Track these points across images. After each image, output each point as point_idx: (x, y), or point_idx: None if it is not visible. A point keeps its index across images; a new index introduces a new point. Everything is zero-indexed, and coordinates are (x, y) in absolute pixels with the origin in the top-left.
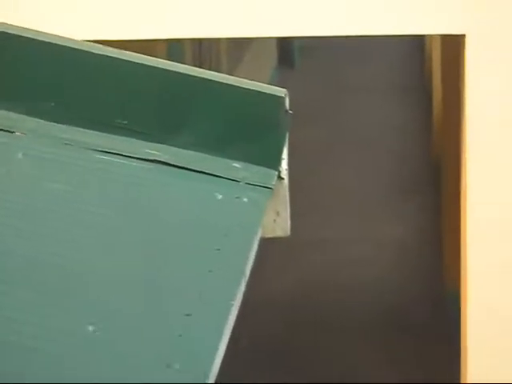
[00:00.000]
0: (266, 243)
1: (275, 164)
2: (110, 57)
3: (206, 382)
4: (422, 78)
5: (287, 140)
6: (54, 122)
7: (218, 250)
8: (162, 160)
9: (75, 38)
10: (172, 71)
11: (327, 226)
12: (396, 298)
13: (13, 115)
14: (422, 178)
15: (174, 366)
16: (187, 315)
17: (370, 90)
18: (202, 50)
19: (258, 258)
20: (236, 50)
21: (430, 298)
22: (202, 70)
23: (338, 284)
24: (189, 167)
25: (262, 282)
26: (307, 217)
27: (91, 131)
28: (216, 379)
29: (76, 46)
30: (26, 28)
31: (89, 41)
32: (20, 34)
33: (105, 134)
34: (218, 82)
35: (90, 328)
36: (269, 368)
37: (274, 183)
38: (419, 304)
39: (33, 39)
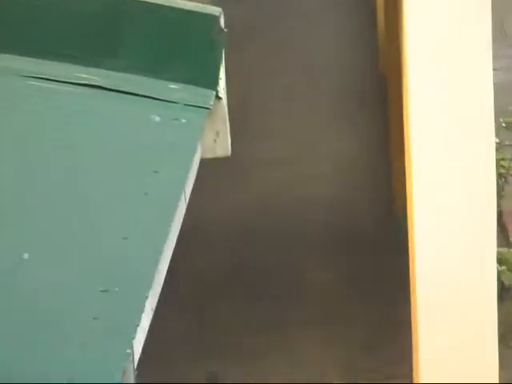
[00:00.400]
0: (219, 163)
1: (212, 84)
2: None
3: (145, 303)
4: None
5: (223, 59)
6: None
7: (156, 172)
8: (96, 84)
9: None
10: None
11: (277, 144)
12: (346, 213)
13: None
14: (370, 94)
15: (111, 289)
16: (124, 238)
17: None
18: None
19: (212, 177)
20: None
21: (380, 214)
22: None
23: (290, 201)
24: (124, 90)
25: (215, 200)
26: (258, 135)
27: (22, 57)
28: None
29: None
30: None
31: None
32: None
33: (36, 60)
34: (151, 3)
35: (26, 256)
36: (223, 284)
37: (211, 103)
38: (369, 219)
39: None
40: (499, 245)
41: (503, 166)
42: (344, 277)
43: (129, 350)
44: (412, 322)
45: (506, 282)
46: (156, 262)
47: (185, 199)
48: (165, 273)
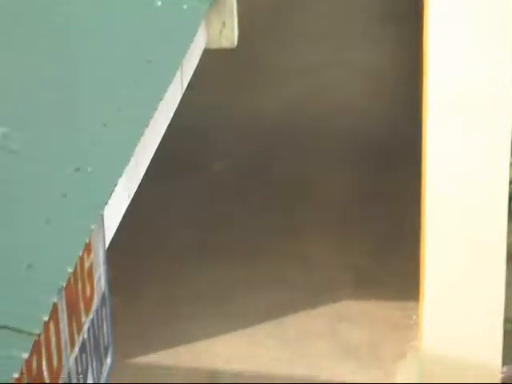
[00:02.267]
0: (248, 68)
1: None
2: None
3: (116, 184)
4: None
5: None
6: None
7: (149, 61)
8: None
9: None
10: None
11: (309, 52)
12: (371, 123)
13: None
14: (402, 7)
15: (84, 169)
16: (104, 125)
17: None
18: None
19: (240, 83)
20: None
21: (404, 127)
22: None
23: (317, 109)
24: None
25: (244, 105)
26: (289, 45)
27: None
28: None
29: None
30: None
31: None
32: None
33: None
34: None
35: (1, 130)
36: (240, 185)
37: None
38: (393, 130)
39: None
40: None
41: None
42: (363, 184)
43: (93, 226)
44: (421, 235)
45: None
46: (133, 148)
47: (181, 86)
48: (147, 160)
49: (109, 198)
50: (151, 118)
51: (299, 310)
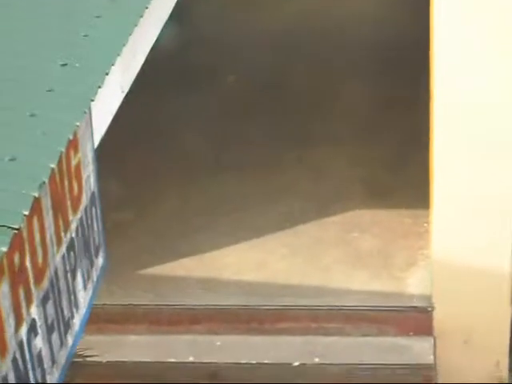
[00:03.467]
0: None
1: None
2: None
3: (104, 79)
4: None
5: None
6: None
7: None
8: None
9: None
10: None
11: None
12: (389, 35)
13: None
14: None
15: (71, 63)
16: (96, 17)
17: None
18: None
19: None
20: None
21: (421, 39)
22: None
23: (331, 18)
24: None
25: (263, 12)
26: None
27: None
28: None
29: None
30: None
31: None
32: None
33: None
34: None
35: None
36: (253, 99)
37: None
38: (408, 42)
39: None
40: None
41: None
42: (374, 99)
43: (78, 123)
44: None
45: None
46: (125, 39)
47: None
48: (144, 54)
49: (95, 93)
50: (146, 8)
51: (311, 220)
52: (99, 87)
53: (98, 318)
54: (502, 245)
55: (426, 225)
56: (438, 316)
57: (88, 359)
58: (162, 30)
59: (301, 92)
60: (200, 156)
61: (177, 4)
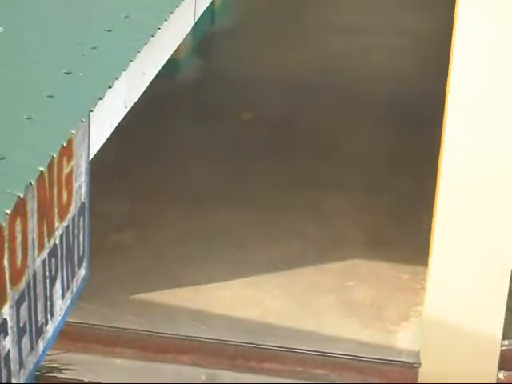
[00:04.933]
0: (289, 26)
1: None
2: None
3: (105, 91)
4: None
5: None
6: None
7: None
8: None
9: None
10: None
11: (352, 10)
12: (403, 91)
13: None
14: None
15: (75, 72)
16: (107, 31)
17: None
18: None
19: (280, 36)
20: None
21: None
22: None
23: (351, 70)
24: None
25: (280, 58)
26: (328, 2)
27: None
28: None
29: None
30: None
31: None
32: None
33: None
34: None
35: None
36: (266, 139)
37: None
38: (423, 103)
39: None
40: None
41: None
42: (385, 151)
43: (74, 131)
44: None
45: None
46: (133, 55)
47: (194, 10)
48: (152, 73)
49: (95, 104)
50: (159, 28)
51: (309, 264)
52: (100, 99)
53: (86, 338)
54: (495, 310)
55: (423, 282)
56: (423, 373)
57: (70, 377)
58: (187, 63)
59: (314, 138)
60: (208, 187)
61: (204, 38)
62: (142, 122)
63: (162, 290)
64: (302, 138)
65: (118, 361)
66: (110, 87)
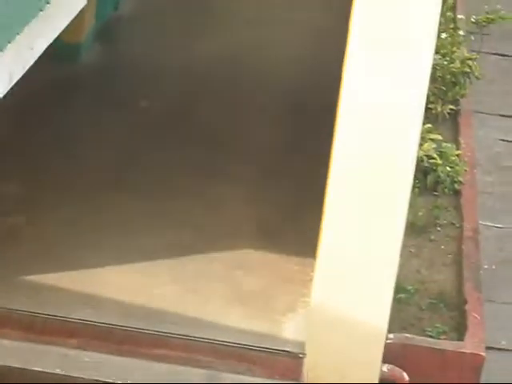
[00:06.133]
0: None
1: None
2: None
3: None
4: None
5: None
6: None
7: None
8: None
9: None
10: None
11: (260, 4)
12: (306, 82)
13: None
14: None
15: None
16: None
17: None
18: None
19: (195, 27)
20: None
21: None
22: None
23: (254, 61)
24: None
25: (185, 47)
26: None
27: None
28: None
29: None
30: None
31: None
32: None
33: None
34: None
35: None
36: (163, 125)
37: None
38: (324, 94)
39: None
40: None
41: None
42: (281, 142)
43: None
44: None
45: (442, 175)
46: (20, 29)
47: None
48: (41, 50)
49: None
50: (47, 2)
51: (198, 252)
52: None
53: None
54: (381, 303)
55: (312, 273)
56: (308, 363)
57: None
58: (88, 47)
59: (208, 127)
60: (101, 174)
61: (107, 23)
62: (39, 105)
63: (51, 273)
64: (198, 127)
65: (5, 341)
66: None
